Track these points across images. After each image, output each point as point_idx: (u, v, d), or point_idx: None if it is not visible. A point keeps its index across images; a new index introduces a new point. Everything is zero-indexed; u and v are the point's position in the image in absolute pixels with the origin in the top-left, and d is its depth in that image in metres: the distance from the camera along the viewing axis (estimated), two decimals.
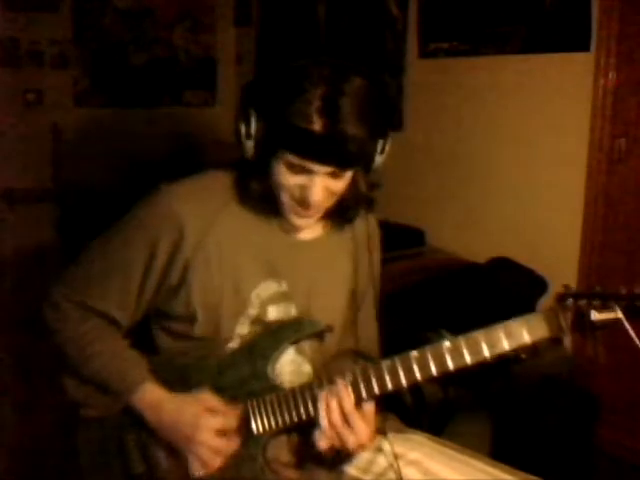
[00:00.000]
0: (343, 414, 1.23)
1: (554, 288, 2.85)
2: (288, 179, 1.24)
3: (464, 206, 3.34)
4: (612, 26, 2.73)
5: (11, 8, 3.93)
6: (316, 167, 1.21)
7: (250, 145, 1.24)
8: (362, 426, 1.24)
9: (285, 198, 1.27)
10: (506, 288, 2.89)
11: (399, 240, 3.17)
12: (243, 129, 1.24)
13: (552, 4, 2.92)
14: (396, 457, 1.42)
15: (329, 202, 1.29)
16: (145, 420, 1.34)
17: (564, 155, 2.94)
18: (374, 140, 1.23)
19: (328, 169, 1.22)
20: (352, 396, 1.24)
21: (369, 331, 1.51)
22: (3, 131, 3.84)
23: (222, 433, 1.31)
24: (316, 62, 1.19)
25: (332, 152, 1.19)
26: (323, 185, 1.24)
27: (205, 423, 1.30)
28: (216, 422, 1.30)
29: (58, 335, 1.40)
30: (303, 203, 1.26)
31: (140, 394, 1.34)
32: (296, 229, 1.36)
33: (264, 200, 1.31)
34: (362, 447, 1.27)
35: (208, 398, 1.32)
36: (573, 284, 3.07)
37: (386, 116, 1.26)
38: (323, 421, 1.23)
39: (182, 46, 4.61)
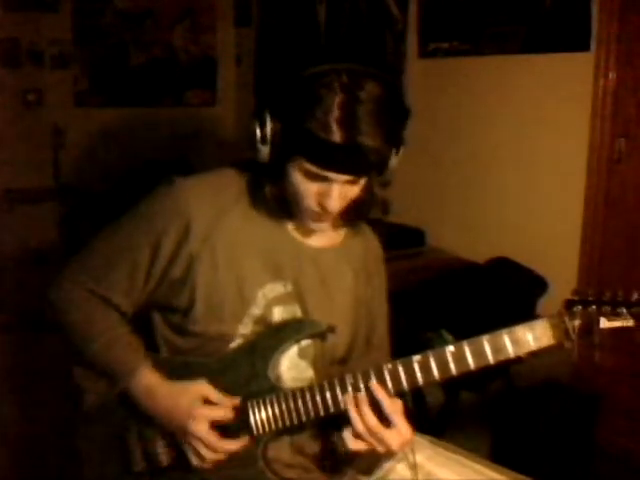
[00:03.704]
0: (381, 414, 1.22)
1: (554, 288, 2.85)
2: (305, 186, 1.24)
3: (464, 206, 3.34)
4: (612, 26, 2.73)
5: (11, 8, 3.93)
6: (334, 176, 1.21)
7: (265, 149, 1.23)
8: (403, 422, 1.23)
9: (301, 203, 1.27)
10: (506, 288, 2.89)
11: (399, 240, 3.17)
12: (258, 133, 1.23)
13: (552, 4, 2.91)
14: (397, 459, 1.43)
15: (345, 207, 1.29)
16: (141, 406, 1.34)
17: (564, 155, 2.93)
18: (390, 147, 1.23)
19: (346, 178, 1.23)
20: (387, 393, 1.22)
21: (379, 352, 1.49)
22: (3, 131, 3.85)
23: (218, 425, 1.30)
24: (334, 67, 1.18)
25: (351, 162, 1.20)
26: (340, 192, 1.24)
27: (200, 413, 1.29)
28: (211, 412, 1.30)
29: (62, 316, 1.41)
30: (320, 209, 1.26)
31: (137, 378, 1.33)
32: (307, 233, 1.37)
33: (277, 203, 1.30)
34: (405, 444, 1.25)
35: (204, 388, 1.32)
36: (573, 284, 3.08)
37: (402, 121, 1.25)
38: (358, 426, 1.22)
39: (182, 46, 4.61)
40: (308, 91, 1.17)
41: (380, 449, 1.23)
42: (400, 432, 1.22)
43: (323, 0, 4.03)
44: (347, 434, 1.24)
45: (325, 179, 1.22)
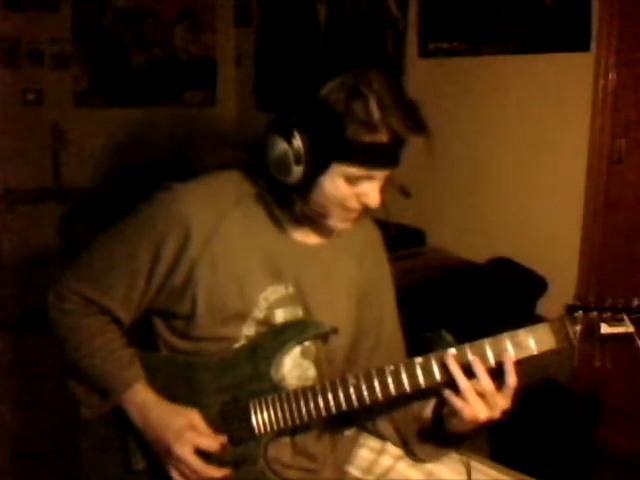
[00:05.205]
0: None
1: (554, 288, 2.85)
2: (345, 190, 1.24)
3: (464, 206, 3.35)
4: (612, 26, 2.73)
5: (11, 8, 3.93)
6: (378, 173, 1.23)
7: (299, 169, 1.22)
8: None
9: (335, 209, 1.27)
10: (506, 288, 2.89)
11: (399, 240, 3.17)
12: (291, 154, 1.21)
13: (552, 4, 2.92)
14: (398, 458, 1.43)
15: None
16: (131, 420, 1.35)
17: (564, 155, 2.94)
18: (424, 128, 1.25)
19: (387, 172, 1.24)
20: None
21: (392, 339, 1.48)
22: (3, 131, 3.85)
23: (202, 454, 1.30)
24: (345, 75, 1.19)
25: (395, 155, 1.23)
26: (380, 186, 1.25)
27: (189, 438, 1.30)
28: (199, 441, 1.30)
29: (58, 328, 1.40)
30: (359, 210, 1.27)
31: (130, 394, 1.34)
32: (306, 233, 1.37)
33: (306, 217, 1.30)
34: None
35: (196, 417, 1.33)
36: (573, 284, 3.07)
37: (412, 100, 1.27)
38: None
39: (182, 46, 4.61)
40: (338, 101, 1.18)
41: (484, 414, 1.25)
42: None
43: (323, 0, 4.03)
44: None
45: (368, 178, 1.23)
